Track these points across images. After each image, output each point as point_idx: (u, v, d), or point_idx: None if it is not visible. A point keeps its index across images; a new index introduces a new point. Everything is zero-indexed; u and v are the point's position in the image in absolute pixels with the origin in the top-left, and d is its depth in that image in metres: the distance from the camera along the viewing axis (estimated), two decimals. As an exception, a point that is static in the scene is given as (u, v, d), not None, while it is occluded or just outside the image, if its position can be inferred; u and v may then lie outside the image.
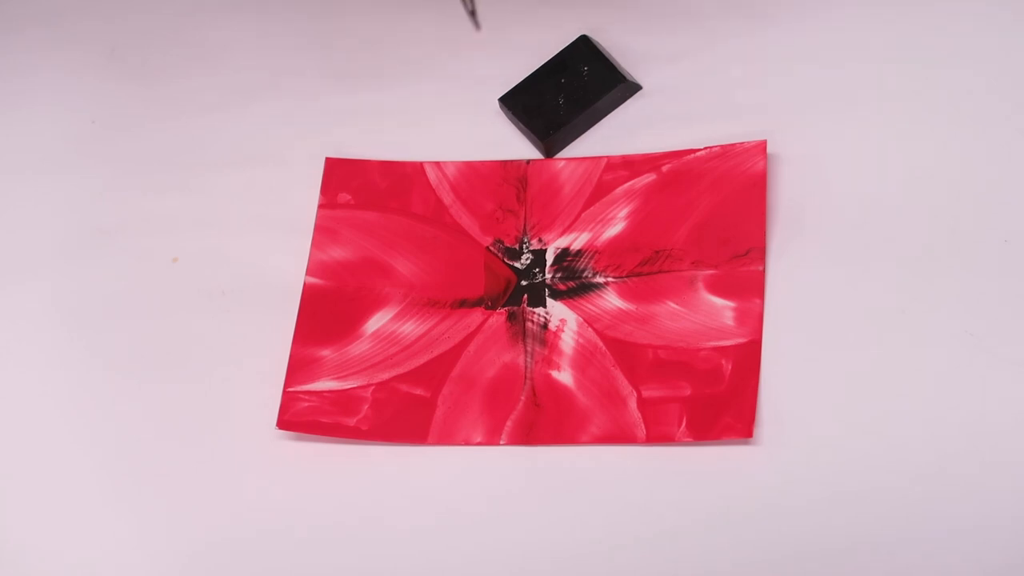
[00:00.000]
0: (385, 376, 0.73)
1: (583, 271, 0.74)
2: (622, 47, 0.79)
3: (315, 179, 0.79)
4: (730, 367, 0.69)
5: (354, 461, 0.71)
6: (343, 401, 0.72)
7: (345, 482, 0.70)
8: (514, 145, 0.78)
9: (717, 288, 0.71)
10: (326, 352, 0.74)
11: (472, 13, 0.68)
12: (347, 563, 0.68)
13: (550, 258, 0.75)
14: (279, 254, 0.77)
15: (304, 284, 0.76)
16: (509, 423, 0.70)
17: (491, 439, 0.70)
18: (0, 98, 0.86)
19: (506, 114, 0.79)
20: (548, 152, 0.78)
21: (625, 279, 0.73)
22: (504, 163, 0.78)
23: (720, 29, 0.79)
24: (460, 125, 0.79)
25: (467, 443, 0.70)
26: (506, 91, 0.79)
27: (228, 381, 0.74)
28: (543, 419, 0.70)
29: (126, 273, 0.78)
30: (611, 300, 0.73)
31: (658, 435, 0.69)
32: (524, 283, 0.74)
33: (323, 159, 0.79)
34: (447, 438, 0.70)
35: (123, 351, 0.76)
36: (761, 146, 0.74)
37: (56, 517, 0.72)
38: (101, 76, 0.85)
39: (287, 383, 0.73)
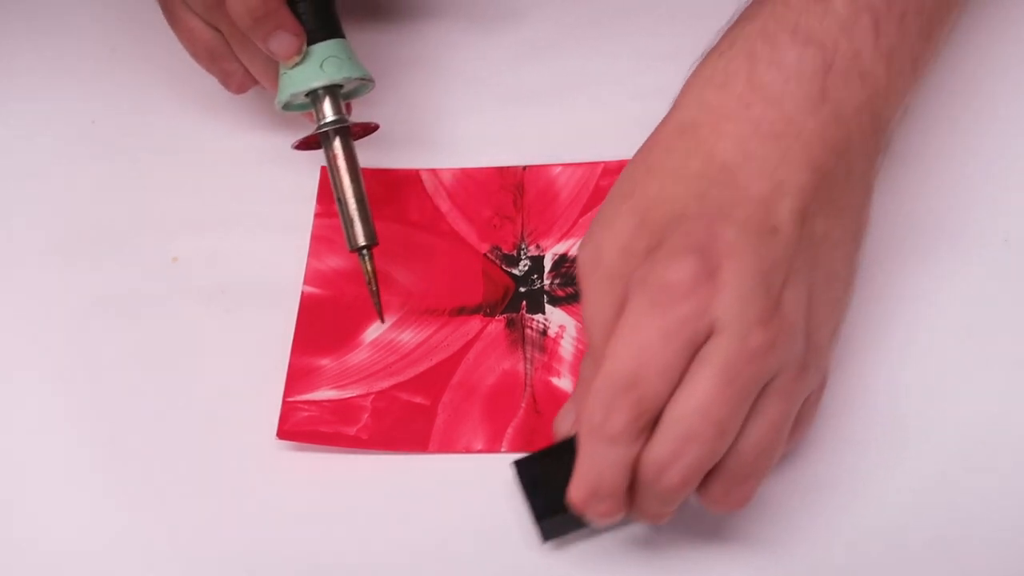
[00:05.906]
0: (385, 385, 0.72)
1: (581, 277, 0.74)
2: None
3: (315, 179, 0.79)
4: (730, 371, 0.69)
5: (354, 470, 0.71)
6: (343, 410, 0.72)
7: (346, 490, 0.70)
8: (510, 151, 0.78)
9: (716, 292, 0.71)
10: (325, 361, 0.73)
11: (376, 306, 0.72)
12: (348, 571, 0.68)
13: (548, 264, 0.75)
14: (279, 254, 0.77)
15: (302, 294, 0.75)
16: (510, 430, 0.70)
17: (492, 446, 0.70)
18: (0, 98, 0.86)
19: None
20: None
21: (624, 284, 0.73)
22: (500, 169, 0.77)
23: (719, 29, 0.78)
24: (457, 131, 0.79)
25: (468, 451, 0.70)
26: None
27: (227, 386, 0.73)
28: (544, 426, 0.70)
29: (125, 273, 0.78)
30: (610, 305, 0.72)
31: (659, 440, 0.68)
32: (522, 290, 0.74)
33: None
34: (448, 446, 0.70)
35: (122, 352, 0.75)
36: (759, 148, 0.73)
37: (49, 526, 0.71)
38: (101, 76, 0.85)
39: (286, 393, 0.72)
